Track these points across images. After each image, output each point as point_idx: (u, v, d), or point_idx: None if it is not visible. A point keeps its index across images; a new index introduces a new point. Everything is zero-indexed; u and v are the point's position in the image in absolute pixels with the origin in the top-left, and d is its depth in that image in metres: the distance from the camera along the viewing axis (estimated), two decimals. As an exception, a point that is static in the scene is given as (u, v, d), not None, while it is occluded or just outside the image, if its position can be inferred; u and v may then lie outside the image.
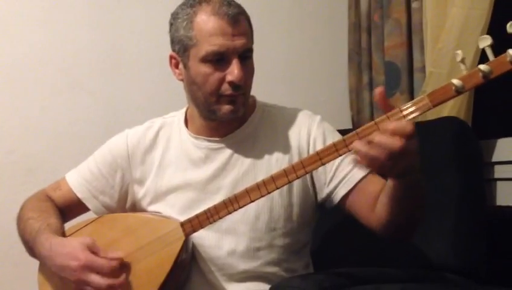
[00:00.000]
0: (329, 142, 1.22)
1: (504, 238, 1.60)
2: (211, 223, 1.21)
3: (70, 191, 1.39)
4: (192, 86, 1.28)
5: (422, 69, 1.79)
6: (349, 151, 1.04)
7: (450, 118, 1.57)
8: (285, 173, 1.11)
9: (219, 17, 1.21)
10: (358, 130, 1.01)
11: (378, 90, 0.99)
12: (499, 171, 1.58)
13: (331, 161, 1.07)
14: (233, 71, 1.22)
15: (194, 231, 1.23)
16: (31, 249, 1.30)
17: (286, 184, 1.13)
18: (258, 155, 1.31)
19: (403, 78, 1.86)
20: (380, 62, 1.97)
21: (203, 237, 1.29)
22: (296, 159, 1.28)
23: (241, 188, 1.18)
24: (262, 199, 1.16)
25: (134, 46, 1.99)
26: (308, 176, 1.29)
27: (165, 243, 1.23)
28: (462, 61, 0.95)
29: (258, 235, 1.28)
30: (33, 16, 1.89)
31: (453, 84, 0.94)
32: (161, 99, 1.96)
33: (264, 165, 1.30)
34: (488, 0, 1.54)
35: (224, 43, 1.21)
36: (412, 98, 1.83)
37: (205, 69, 1.23)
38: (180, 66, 1.30)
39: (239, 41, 1.22)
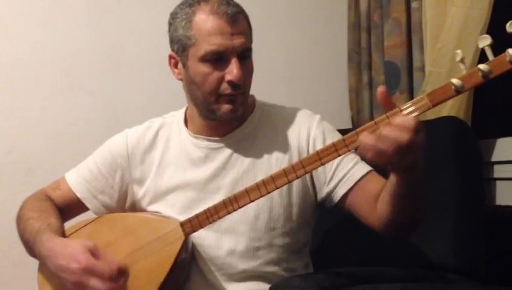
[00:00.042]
0: (328, 141, 1.22)
1: (504, 238, 1.60)
2: (210, 223, 1.21)
3: (70, 190, 1.39)
4: (191, 85, 1.28)
5: (422, 68, 1.79)
6: (349, 151, 1.04)
7: (449, 118, 1.57)
8: (284, 172, 1.10)
9: (218, 16, 1.21)
10: (358, 130, 1.00)
11: (381, 89, 0.99)
12: (499, 171, 1.58)
13: (330, 160, 1.07)
14: (232, 70, 1.22)
15: (194, 230, 1.23)
16: (31, 249, 1.30)
17: (286, 184, 1.12)
18: (257, 154, 1.31)
19: (403, 77, 1.86)
20: (379, 62, 1.97)
21: (203, 237, 1.28)
22: (295, 159, 1.28)
23: (240, 187, 1.18)
24: (262, 198, 1.16)
25: (134, 46, 1.99)
26: (307, 176, 1.29)
27: (164, 243, 1.23)
28: (462, 60, 0.95)
29: (258, 235, 1.28)
30: (33, 16, 1.88)
31: (453, 84, 0.94)
32: (161, 99, 1.96)
33: (263, 165, 1.30)
34: (488, 0, 1.54)
35: (223, 43, 1.21)
36: (411, 97, 1.83)
37: (204, 68, 1.23)
38: (180, 65, 1.30)
39: (238, 41, 1.22)
